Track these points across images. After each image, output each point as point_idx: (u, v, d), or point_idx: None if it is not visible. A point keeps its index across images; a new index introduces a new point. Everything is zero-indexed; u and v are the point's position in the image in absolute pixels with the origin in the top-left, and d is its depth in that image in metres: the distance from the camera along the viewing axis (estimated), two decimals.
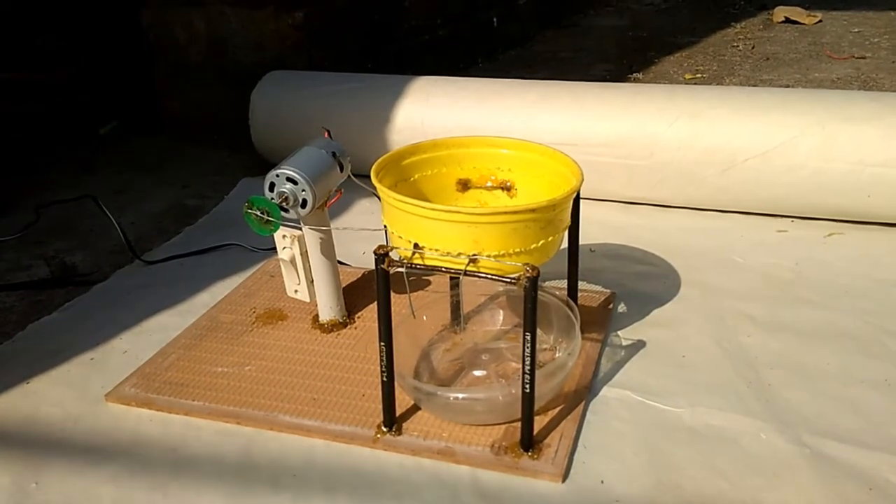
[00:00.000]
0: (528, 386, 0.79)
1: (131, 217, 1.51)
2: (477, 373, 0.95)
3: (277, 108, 1.64)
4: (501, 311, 1.06)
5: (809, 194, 1.29)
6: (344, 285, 1.10)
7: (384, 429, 0.87)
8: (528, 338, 0.76)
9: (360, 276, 1.20)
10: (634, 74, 2.44)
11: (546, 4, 3.09)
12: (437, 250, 0.80)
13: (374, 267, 0.80)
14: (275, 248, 1.05)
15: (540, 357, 0.91)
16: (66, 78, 1.96)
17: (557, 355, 0.94)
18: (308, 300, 1.08)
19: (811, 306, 1.09)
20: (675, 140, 1.34)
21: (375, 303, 0.82)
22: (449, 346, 1.01)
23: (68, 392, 0.97)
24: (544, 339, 0.98)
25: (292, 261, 1.04)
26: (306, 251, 1.03)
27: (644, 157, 1.36)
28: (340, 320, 1.08)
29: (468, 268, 0.79)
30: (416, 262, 0.81)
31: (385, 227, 0.87)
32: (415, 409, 0.89)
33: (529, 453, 0.82)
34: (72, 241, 1.42)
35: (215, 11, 1.89)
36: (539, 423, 0.85)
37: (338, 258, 1.06)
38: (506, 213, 0.81)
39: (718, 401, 0.90)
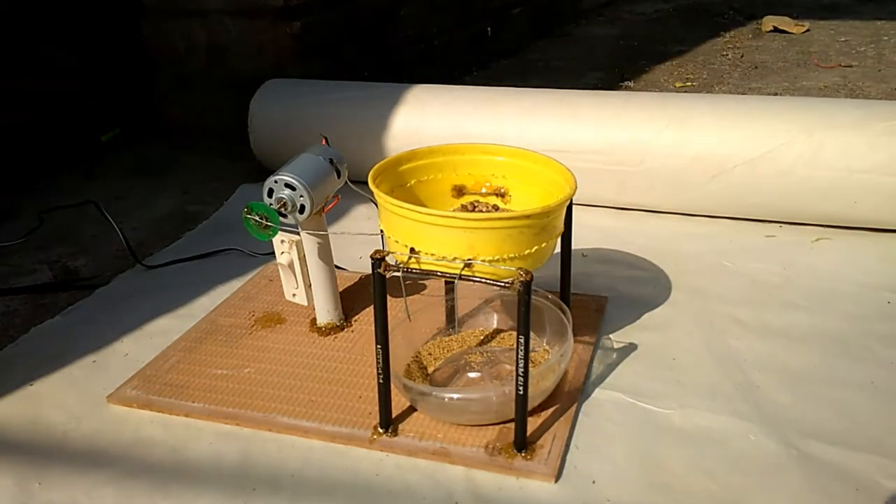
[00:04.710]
0: (521, 388, 0.80)
1: (133, 222, 1.52)
2: (471, 375, 0.97)
3: (276, 116, 1.65)
4: (495, 315, 1.07)
5: (797, 200, 1.32)
6: (341, 289, 1.11)
7: (380, 430, 0.88)
8: (522, 341, 0.78)
9: (356, 280, 1.22)
10: (626, 83, 2.46)
11: (539, 14, 3.12)
12: (432, 255, 0.82)
13: (370, 271, 0.81)
14: (273, 253, 1.07)
15: (533, 359, 0.92)
16: (76, 87, 1.97)
17: (550, 358, 0.96)
18: (306, 304, 1.09)
19: (799, 310, 1.11)
20: (665, 147, 1.36)
21: (372, 306, 0.84)
22: (444, 349, 1.02)
23: (71, 394, 0.98)
24: (537, 341, 0.99)
25: (290, 265, 1.05)
26: (304, 256, 1.04)
27: (635, 163, 1.38)
28: (338, 323, 1.09)
29: (463, 272, 0.81)
30: (412, 266, 0.82)
31: (382, 231, 0.89)
32: (410, 410, 0.91)
33: (523, 454, 0.83)
34: (74, 247, 1.43)
35: (215, 21, 1.91)
36: (532, 424, 0.87)
37: (335, 262, 1.07)
38: (501, 219, 0.82)
39: (708, 402, 0.92)
